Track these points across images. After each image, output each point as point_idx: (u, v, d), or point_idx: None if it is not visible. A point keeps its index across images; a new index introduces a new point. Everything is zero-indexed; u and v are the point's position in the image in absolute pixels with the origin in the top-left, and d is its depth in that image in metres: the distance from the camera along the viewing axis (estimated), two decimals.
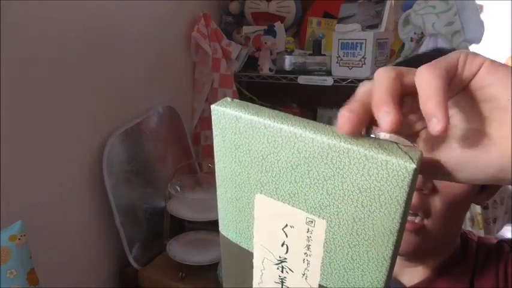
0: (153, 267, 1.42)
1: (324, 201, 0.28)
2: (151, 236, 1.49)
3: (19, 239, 0.96)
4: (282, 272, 0.32)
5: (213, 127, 0.32)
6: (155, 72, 1.58)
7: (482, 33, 1.35)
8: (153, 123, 1.56)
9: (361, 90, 0.28)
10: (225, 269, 0.39)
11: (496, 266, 0.56)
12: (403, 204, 0.26)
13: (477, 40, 1.36)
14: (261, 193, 0.31)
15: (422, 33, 1.42)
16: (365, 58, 1.46)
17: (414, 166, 0.24)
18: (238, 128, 0.30)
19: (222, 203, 0.35)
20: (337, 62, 1.53)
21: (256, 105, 0.31)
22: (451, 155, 0.28)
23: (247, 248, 0.34)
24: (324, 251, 0.30)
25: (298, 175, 0.28)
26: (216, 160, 0.33)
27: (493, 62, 0.26)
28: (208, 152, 1.83)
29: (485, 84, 0.26)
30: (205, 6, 1.75)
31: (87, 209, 1.35)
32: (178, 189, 1.45)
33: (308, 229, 0.30)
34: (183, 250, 1.39)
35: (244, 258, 0.34)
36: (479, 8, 1.54)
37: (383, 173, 0.25)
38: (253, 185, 0.31)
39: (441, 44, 1.36)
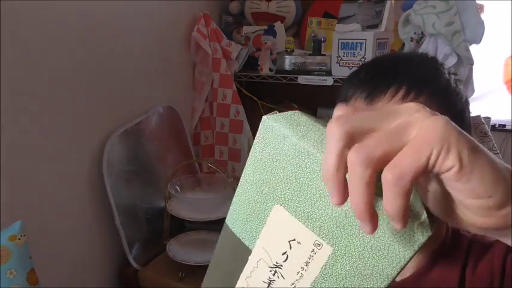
0: (153, 267, 1.42)
1: (338, 233, 0.30)
2: (151, 236, 1.49)
3: (19, 239, 0.96)
4: (274, 275, 0.34)
5: (258, 135, 0.33)
6: (155, 72, 1.58)
7: (482, 33, 1.35)
8: (153, 123, 1.56)
9: (333, 157, 0.26)
10: (217, 257, 0.40)
11: (490, 262, 0.56)
12: (408, 259, 0.28)
13: (477, 40, 1.36)
14: (280, 205, 0.32)
15: (422, 33, 1.42)
16: (365, 58, 1.46)
17: (430, 233, 0.27)
18: (281, 145, 0.31)
19: (238, 199, 0.36)
20: (337, 62, 1.53)
21: (310, 122, 0.31)
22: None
23: (247, 245, 0.35)
24: (320, 271, 0.31)
25: (323, 204, 0.30)
26: (247, 162, 0.34)
27: (461, 167, 0.24)
28: (208, 152, 1.83)
29: (450, 185, 0.26)
30: (205, 6, 1.75)
31: (87, 209, 1.35)
32: (178, 189, 1.45)
33: (313, 249, 0.31)
34: (183, 250, 1.39)
35: (241, 252, 0.36)
36: (479, 8, 1.53)
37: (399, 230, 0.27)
38: (276, 196, 0.32)
39: (441, 44, 1.36)
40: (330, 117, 0.33)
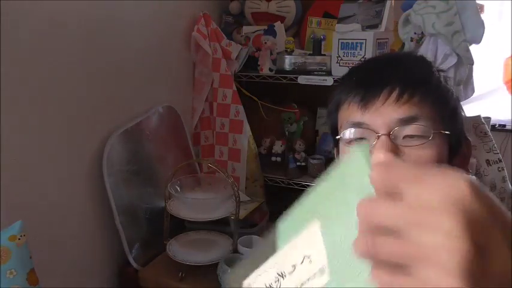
0: (153, 267, 1.42)
1: (343, 270, 0.31)
2: (151, 236, 1.49)
3: (19, 239, 0.96)
4: (275, 283, 0.35)
5: (345, 160, 0.34)
6: (155, 72, 1.58)
7: (482, 33, 1.35)
8: (153, 123, 1.56)
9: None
10: (253, 249, 0.42)
11: None
12: None
13: (477, 40, 1.36)
14: (319, 221, 0.34)
15: (422, 33, 1.42)
16: (365, 58, 1.46)
17: None
18: (354, 174, 0.32)
19: (300, 206, 0.37)
20: (337, 62, 1.53)
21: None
22: None
23: (277, 246, 0.37)
24: None
25: (350, 237, 0.30)
26: (325, 177, 0.35)
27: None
28: (208, 152, 1.83)
29: None
30: (205, 6, 1.75)
31: (87, 209, 1.35)
32: (178, 189, 1.45)
33: (315, 273, 0.32)
34: (183, 250, 1.39)
35: (269, 251, 0.38)
36: (479, 8, 1.53)
37: None
38: (321, 212, 0.34)
39: (441, 44, 1.36)
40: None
